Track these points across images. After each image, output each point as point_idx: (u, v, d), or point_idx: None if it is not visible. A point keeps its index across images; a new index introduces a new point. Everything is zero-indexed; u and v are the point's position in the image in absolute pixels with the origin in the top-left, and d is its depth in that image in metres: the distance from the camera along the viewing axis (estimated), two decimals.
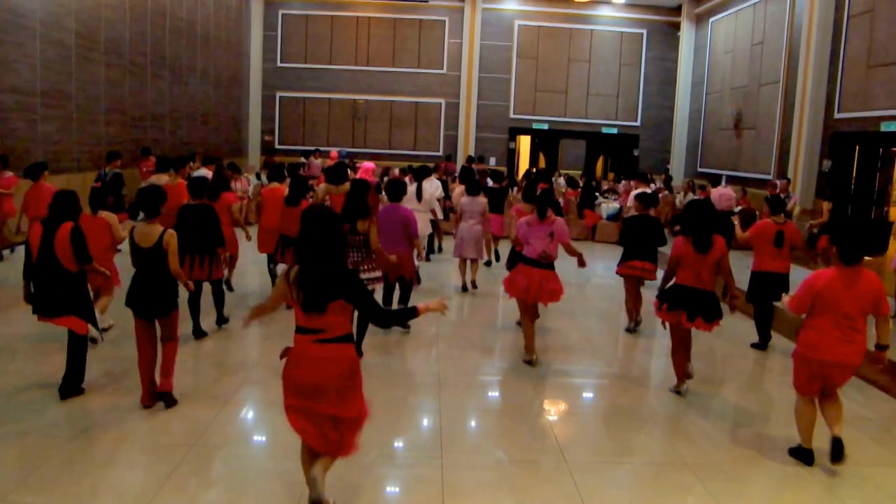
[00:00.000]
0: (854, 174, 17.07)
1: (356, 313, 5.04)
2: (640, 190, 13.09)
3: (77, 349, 6.19)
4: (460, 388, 7.24)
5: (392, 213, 8.55)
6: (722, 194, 15.13)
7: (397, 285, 8.89)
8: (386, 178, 18.82)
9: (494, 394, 7.40)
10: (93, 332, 7.18)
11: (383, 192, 14.90)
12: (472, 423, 6.47)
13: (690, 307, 6.75)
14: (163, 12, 18.94)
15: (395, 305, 9.00)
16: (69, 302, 6.01)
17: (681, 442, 6.07)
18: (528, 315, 7.90)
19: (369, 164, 17.97)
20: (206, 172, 12.83)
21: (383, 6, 26.42)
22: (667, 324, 7.09)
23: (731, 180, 21.21)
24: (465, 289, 11.39)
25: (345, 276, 4.23)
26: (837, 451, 5.34)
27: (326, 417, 4.22)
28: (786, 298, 5.83)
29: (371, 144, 26.87)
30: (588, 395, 7.55)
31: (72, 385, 6.19)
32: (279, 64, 26.74)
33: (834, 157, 17.17)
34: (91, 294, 6.96)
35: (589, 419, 6.86)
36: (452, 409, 6.56)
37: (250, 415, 6.45)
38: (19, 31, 12.94)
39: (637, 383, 7.77)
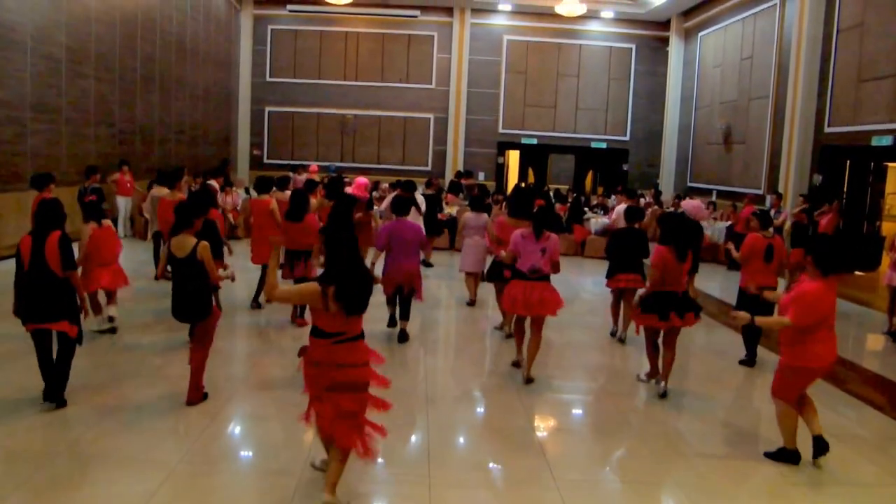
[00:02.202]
0: (845, 188, 17.09)
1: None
2: (626, 205, 13.11)
3: (66, 356, 6.28)
4: (448, 404, 7.18)
5: (404, 227, 9.05)
6: (692, 206, 15.05)
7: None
8: (375, 193, 18.89)
9: (482, 410, 7.33)
10: (107, 323, 8.39)
11: (375, 208, 15.13)
12: (461, 440, 6.39)
13: (661, 309, 7.24)
14: (153, 27, 18.91)
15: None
16: (62, 307, 6.15)
17: (671, 459, 6.00)
18: (521, 329, 7.98)
19: (362, 180, 17.88)
20: (214, 185, 13.82)
21: (372, 21, 26.43)
22: (640, 327, 7.62)
23: (722, 195, 21.38)
24: (471, 303, 11.60)
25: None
26: (822, 447, 5.71)
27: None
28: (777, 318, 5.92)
29: (359, 159, 26.81)
30: (577, 411, 7.47)
31: (57, 392, 6.24)
32: (268, 78, 26.74)
33: (824, 172, 17.19)
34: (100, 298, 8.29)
35: (578, 436, 6.78)
36: (440, 426, 6.48)
37: (238, 430, 6.37)
38: (10, 46, 12.92)
39: (627, 399, 7.67)
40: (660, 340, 7.59)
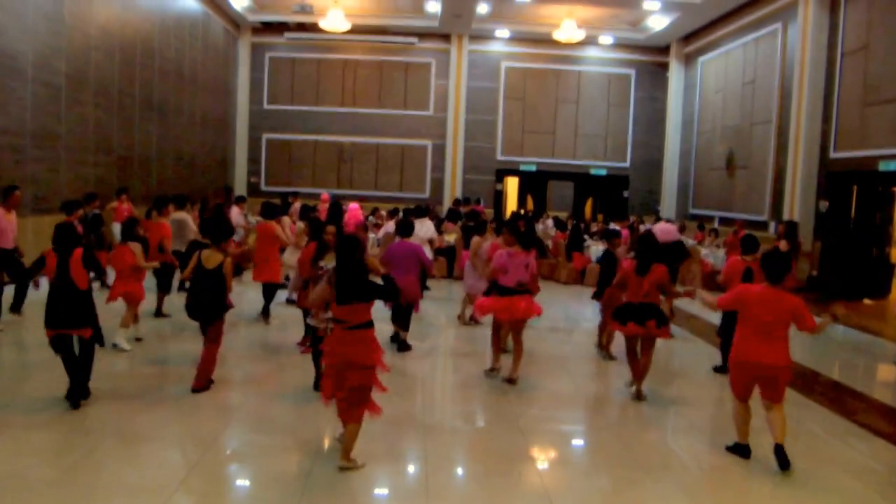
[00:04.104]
0: (852, 214, 16.93)
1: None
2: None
3: (87, 356, 7.11)
4: (446, 434, 7.02)
5: (404, 246, 9.91)
6: (661, 228, 14.90)
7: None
8: (371, 219, 18.85)
9: (481, 440, 7.12)
10: (123, 344, 9.07)
11: (372, 235, 15.25)
12: (459, 471, 6.22)
13: (636, 317, 8.05)
14: (151, 54, 18.87)
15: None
16: (84, 315, 7.00)
17: (675, 494, 5.78)
18: (497, 339, 8.91)
19: (355, 206, 17.85)
20: (235, 210, 15.24)
21: (370, 48, 26.41)
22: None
23: (724, 221, 21.24)
24: (475, 322, 11.86)
25: None
26: (783, 459, 6.07)
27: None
28: (704, 294, 7.13)
29: (357, 186, 26.65)
30: (578, 441, 7.31)
31: (82, 389, 7.00)
32: (266, 106, 26.65)
33: (831, 198, 17.03)
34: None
35: (580, 468, 6.58)
36: (439, 457, 6.29)
37: (234, 459, 6.20)
38: (10, 73, 12.90)
39: (629, 429, 7.50)
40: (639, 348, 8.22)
